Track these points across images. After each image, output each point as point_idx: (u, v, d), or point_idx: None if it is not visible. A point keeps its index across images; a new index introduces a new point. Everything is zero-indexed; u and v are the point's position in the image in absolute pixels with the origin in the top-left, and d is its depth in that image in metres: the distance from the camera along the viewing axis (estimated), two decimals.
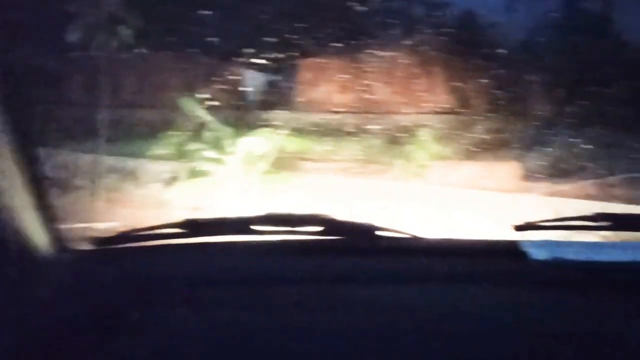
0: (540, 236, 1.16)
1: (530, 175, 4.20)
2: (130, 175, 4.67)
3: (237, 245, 1.14)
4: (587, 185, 4.09)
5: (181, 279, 1.02)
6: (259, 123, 4.91)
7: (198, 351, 0.83)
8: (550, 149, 4.42)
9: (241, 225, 1.14)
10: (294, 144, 4.59)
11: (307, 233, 1.15)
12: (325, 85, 5.67)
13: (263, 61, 5.51)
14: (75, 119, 4.93)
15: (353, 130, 5.10)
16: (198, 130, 4.72)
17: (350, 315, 0.93)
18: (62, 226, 1.09)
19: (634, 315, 0.93)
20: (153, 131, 5.01)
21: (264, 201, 4.17)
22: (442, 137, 4.78)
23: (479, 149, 4.59)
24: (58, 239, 1.07)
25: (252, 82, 5.78)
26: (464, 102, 5.26)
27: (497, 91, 5.01)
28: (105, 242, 1.14)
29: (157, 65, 5.79)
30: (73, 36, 5.05)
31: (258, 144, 4.50)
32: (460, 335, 0.86)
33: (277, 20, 5.32)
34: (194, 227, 1.14)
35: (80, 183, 4.28)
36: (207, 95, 4.93)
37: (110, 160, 4.66)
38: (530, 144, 4.57)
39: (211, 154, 4.56)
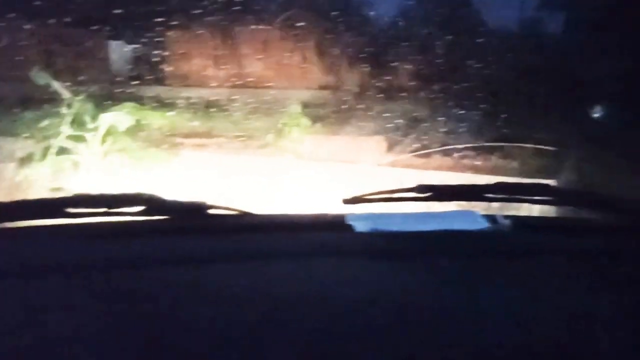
0: (368, 208, 1.18)
1: (391, 148, 4.39)
2: None
3: (48, 230, 1.04)
4: (446, 157, 4.36)
5: None
6: (124, 98, 4.65)
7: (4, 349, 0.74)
8: (407, 123, 4.64)
9: (53, 207, 1.05)
10: (162, 119, 4.41)
11: (129, 214, 1.08)
12: (196, 59, 5.49)
13: (128, 31, 5.20)
14: None
15: (224, 105, 5.00)
16: (57, 106, 4.38)
17: (174, 298, 0.88)
18: None
19: (448, 281, 0.97)
20: (6, 107, 4.60)
21: (129, 180, 3.98)
22: (314, 112, 4.84)
23: (348, 124, 4.71)
24: None
25: (116, 54, 5.44)
26: (335, 78, 5.35)
27: (365, 67, 5.15)
28: None
29: (9, 35, 5.25)
30: None
31: (122, 120, 4.26)
32: (294, 307, 0.85)
33: None
34: None
35: None
36: (66, 68, 4.58)
37: None
38: (393, 118, 4.75)
39: (70, 130, 4.25)
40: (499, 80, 4.66)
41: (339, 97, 4.98)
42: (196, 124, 4.66)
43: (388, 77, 5.07)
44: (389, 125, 4.67)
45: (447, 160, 4.37)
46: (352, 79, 5.15)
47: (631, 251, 1.06)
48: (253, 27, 5.43)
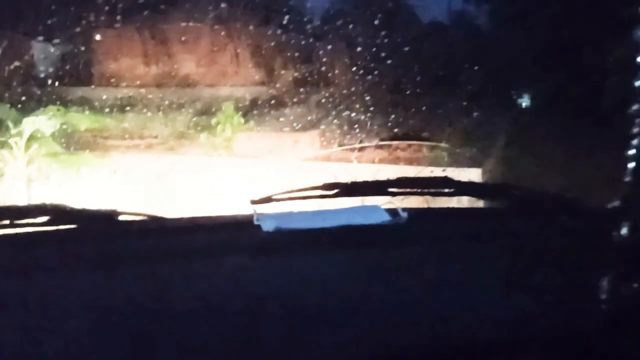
0: (275, 208, 1.23)
1: (320, 143, 4.47)
2: None
3: None
4: (377, 150, 4.48)
5: None
6: (49, 100, 4.51)
7: None
8: (337, 118, 4.73)
9: None
10: (89, 122, 4.30)
11: (36, 224, 1.08)
12: (125, 58, 5.36)
13: (52, 31, 5.02)
14: None
15: (154, 105, 4.92)
16: None
17: (80, 304, 0.89)
18: None
19: (351, 272, 1.02)
20: None
21: (56, 186, 3.87)
22: (249, 110, 4.85)
23: (280, 120, 4.74)
24: None
25: (39, 54, 5.25)
26: (267, 75, 5.36)
27: (300, 64, 5.19)
28: None
29: None
30: None
31: (47, 124, 4.14)
32: (202, 305, 0.88)
33: None
34: None
35: None
36: None
37: None
38: (328, 114, 4.83)
39: None
40: (426, 75, 4.80)
41: (271, 94, 5.00)
42: (126, 125, 4.57)
43: (318, 73, 5.14)
44: (319, 120, 4.74)
45: (377, 154, 4.50)
46: (283, 75, 5.18)
47: (521, 233, 1.15)
48: (183, 24, 5.36)
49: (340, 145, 4.53)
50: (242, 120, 4.60)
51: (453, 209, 1.38)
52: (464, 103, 4.67)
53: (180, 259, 1.07)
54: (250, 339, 0.77)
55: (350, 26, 5.51)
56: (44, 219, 1.07)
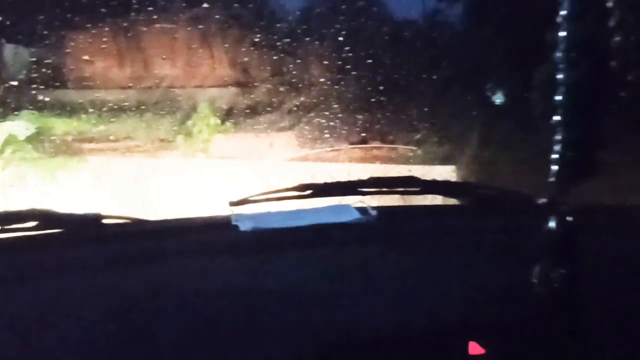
0: (254, 209, 1.30)
1: (305, 144, 4.53)
2: None
3: None
4: (354, 150, 4.56)
5: None
6: (23, 104, 4.48)
7: None
8: (315, 118, 4.79)
9: None
10: (65, 125, 4.30)
11: (23, 229, 1.13)
12: (99, 60, 5.34)
13: (26, 33, 4.98)
14: None
15: (130, 107, 4.91)
16: None
17: (68, 306, 0.93)
18: None
19: (324, 269, 1.09)
20: None
21: (32, 191, 3.86)
22: (226, 111, 4.87)
23: (256, 121, 4.78)
24: None
25: (11, 57, 5.20)
26: (243, 76, 5.39)
27: (277, 66, 5.22)
28: None
29: None
30: None
31: (22, 128, 4.12)
32: (185, 304, 0.92)
33: None
34: None
35: None
36: None
37: None
38: (306, 115, 4.89)
39: None
40: (401, 76, 4.89)
41: (247, 95, 5.04)
42: (102, 128, 4.56)
43: (295, 75, 5.19)
44: (296, 121, 4.80)
45: (353, 154, 4.58)
46: (260, 77, 5.22)
47: (480, 228, 1.24)
48: (159, 26, 5.36)
49: (317, 146, 4.60)
50: (219, 122, 4.63)
51: (420, 206, 1.47)
52: (437, 104, 4.78)
53: (161, 261, 1.12)
54: (229, 338, 0.82)
55: (326, 28, 5.57)
56: (29, 224, 1.12)
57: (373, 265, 1.07)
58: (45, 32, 5.02)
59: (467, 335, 0.78)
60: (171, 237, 1.20)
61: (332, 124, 4.78)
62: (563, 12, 0.62)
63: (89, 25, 5.19)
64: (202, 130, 4.55)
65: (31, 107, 4.36)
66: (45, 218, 1.15)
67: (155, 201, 3.43)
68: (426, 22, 5.78)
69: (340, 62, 5.17)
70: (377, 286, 0.96)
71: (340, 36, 5.15)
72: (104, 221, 1.23)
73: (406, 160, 4.80)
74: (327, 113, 4.80)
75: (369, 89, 4.83)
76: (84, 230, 1.20)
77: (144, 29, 5.34)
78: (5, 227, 1.12)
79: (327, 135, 4.71)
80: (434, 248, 1.12)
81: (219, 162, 4.22)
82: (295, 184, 1.34)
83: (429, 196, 1.48)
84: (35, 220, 1.13)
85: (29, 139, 4.03)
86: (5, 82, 5.05)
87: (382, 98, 4.82)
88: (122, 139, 4.66)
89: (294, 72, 5.32)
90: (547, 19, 0.67)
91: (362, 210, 1.31)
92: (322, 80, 5.27)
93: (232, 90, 5.22)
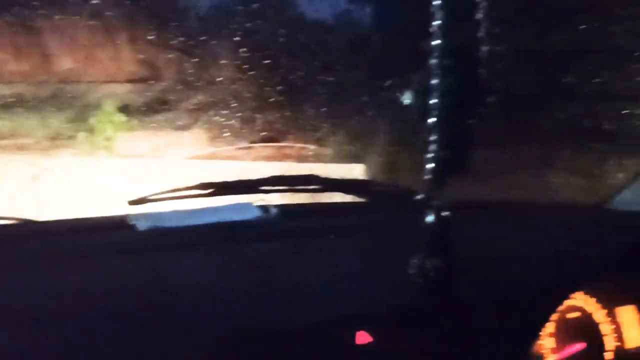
0: (154, 208, 1.28)
1: (208, 141, 4.48)
2: None
3: None
4: (265, 148, 4.57)
5: None
6: None
7: None
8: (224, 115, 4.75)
9: None
10: None
11: None
12: None
13: None
14: None
15: (29, 102, 4.63)
16: None
17: None
18: None
19: (223, 266, 1.09)
20: None
21: None
22: (131, 108, 4.70)
23: (167, 118, 4.66)
24: None
25: None
26: (152, 72, 5.23)
27: (184, 61, 5.11)
28: None
29: None
30: None
31: None
32: (79, 305, 0.89)
33: None
34: None
35: None
36: None
37: None
38: (214, 112, 4.82)
39: None
40: (301, 75, 4.94)
41: (154, 91, 4.89)
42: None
43: (203, 71, 5.11)
44: (204, 118, 4.73)
45: (263, 151, 4.58)
46: (167, 73, 5.09)
47: (375, 225, 1.29)
48: (60, 17, 5.08)
49: (220, 144, 4.56)
50: (124, 119, 4.46)
51: (320, 204, 1.51)
52: (346, 102, 4.88)
53: (53, 263, 1.08)
54: (126, 339, 0.81)
55: (236, 24, 5.51)
56: None
57: (271, 262, 1.09)
58: None
59: (356, 326, 0.83)
60: (64, 237, 1.16)
61: (234, 122, 4.75)
62: (436, 23, 0.67)
63: None
64: (106, 127, 4.36)
65: None
66: None
67: (50, 201, 3.26)
68: (324, 23, 5.86)
69: (240, 61, 5.12)
70: (273, 282, 0.99)
71: (241, 35, 5.12)
72: None
73: (308, 159, 4.88)
74: (229, 111, 4.76)
75: (270, 88, 4.85)
76: None
77: (45, 21, 5.06)
78: None
79: (238, 133, 4.68)
80: (330, 244, 1.16)
81: (120, 160, 4.07)
82: (196, 182, 1.34)
83: (330, 194, 1.53)
84: None
85: None
86: None
87: (281, 97, 4.86)
88: (18, 135, 4.38)
89: (203, 70, 5.23)
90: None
91: (263, 208, 1.33)
92: (222, 78, 5.20)
93: (139, 86, 5.05)
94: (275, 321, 0.85)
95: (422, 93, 0.69)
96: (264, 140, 4.80)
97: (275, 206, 1.33)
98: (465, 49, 0.69)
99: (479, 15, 0.69)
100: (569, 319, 1.14)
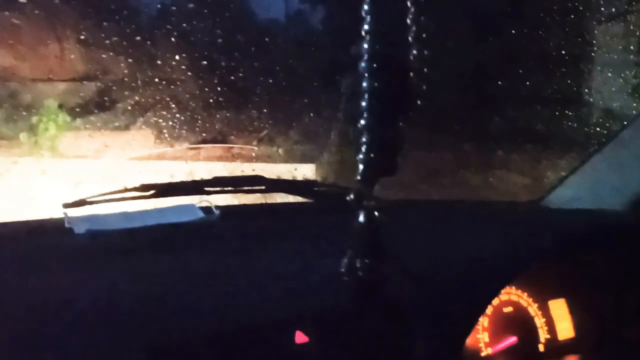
0: (89, 210, 1.25)
1: (151, 142, 4.41)
2: None
3: None
4: (214, 148, 4.53)
5: None
6: None
7: None
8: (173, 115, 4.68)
9: None
10: None
11: None
12: None
13: None
14: None
15: None
16: None
17: None
18: None
19: (160, 271, 1.07)
20: None
21: None
22: (76, 107, 4.56)
23: (114, 118, 4.55)
24: None
25: None
26: (98, 71, 5.08)
27: (132, 60, 4.99)
28: None
29: None
30: None
31: None
32: (16, 313, 0.86)
33: None
34: None
35: None
36: None
37: None
38: (163, 112, 4.74)
39: None
40: (264, 73, 4.92)
41: (100, 90, 4.77)
42: None
43: (151, 69, 5.01)
44: (152, 118, 4.64)
45: (213, 152, 4.54)
46: (114, 71, 4.97)
47: (317, 225, 1.30)
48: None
49: (175, 143, 4.49)
50: (68, 118, 4.32)
51: (264, 204, 1.51)
52: (293, 103, 4.90)
53: None
54: (63, 345, 0.79)
55: (185, 23, 5.42)
56: None
57: (212, 264, 1.08)
58: None
59: (295, 326, 0.83)
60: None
61: (179, 122, 4.68)
62: (365, 28, 0.68)
63: None
64: (49, 126, 4.21)
65: None
66: None
67: None
68: (266, 25, 5.85)
69: (184, 61, 5.05)
70: (213, 284, 0.98)
71: (202, 32, 5.05)
72: None
73: (256, 159, 4.87)
74: (174, 111, 4.69)
75: (215, 88, 4.81)
76: None
77: None
78: None
79: (187, 133, 4.62)
80: (272, 245, 1.17)
81: (65, 160, 3.94)
82: (137, 184, 1.31)
83: (275, 194, 1.53)
84: None
85: None
86: None
87: (227, 98, 4.83)
88: None
89: (151, 68, 5.13)
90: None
91: (206, 209, 1.32)
92: (181, 76, 5.12)
93: (84, 85, 4.90)
94: (213, 325, 0.85)
95: (353, 95, 0.70)
96: (212, 141, 4.75)
97: (218, 207, 1.32)
98: (396, 53, 0.71)
99: (411, 19, 0.71)
100: (503, 313, 1.19)
